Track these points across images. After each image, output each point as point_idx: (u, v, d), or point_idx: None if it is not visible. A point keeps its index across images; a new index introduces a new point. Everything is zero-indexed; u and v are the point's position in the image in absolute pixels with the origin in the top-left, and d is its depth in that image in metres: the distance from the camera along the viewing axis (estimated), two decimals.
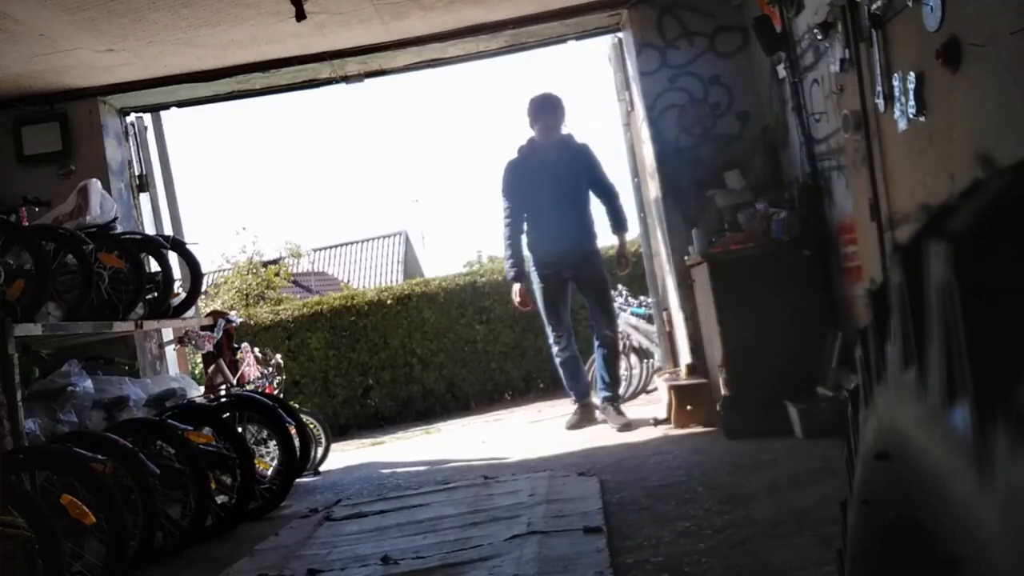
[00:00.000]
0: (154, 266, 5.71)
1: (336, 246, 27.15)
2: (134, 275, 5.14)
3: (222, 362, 6.14)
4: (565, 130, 6.22)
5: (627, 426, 5.86)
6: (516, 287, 6.35)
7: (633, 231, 6.85)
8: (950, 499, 0.51)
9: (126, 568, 3.72)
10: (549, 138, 6.12)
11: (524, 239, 6.29)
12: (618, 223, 6.32)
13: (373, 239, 26.99)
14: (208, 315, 6.56)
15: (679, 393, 5.68)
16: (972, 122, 3.22)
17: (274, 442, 5.42)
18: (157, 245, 5.71)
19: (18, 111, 6.06)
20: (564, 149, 6.16)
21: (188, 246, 6.05)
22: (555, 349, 6.42)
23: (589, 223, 6.27)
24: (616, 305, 7.75)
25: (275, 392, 6.37)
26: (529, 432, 6.77)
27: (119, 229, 5.52)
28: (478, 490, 4.78)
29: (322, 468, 6.44)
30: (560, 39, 6.61)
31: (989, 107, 3.08)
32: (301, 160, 67.33)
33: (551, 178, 6.04)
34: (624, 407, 6.37)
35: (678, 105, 6.02)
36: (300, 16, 5.00)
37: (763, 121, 5.88)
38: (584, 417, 6.34)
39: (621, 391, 7.26)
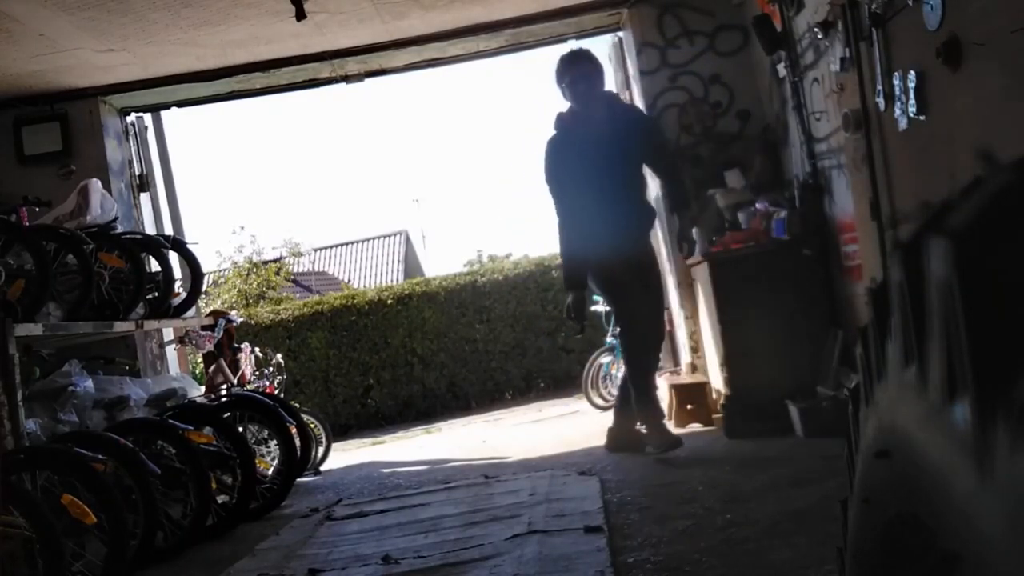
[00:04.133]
0: (154, 266, 5.71)
1: (336, 246, 27.12)
2: (134, 275, 5.14)
3: (223, 362, 6.14)
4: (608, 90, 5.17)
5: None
6: (569, 298, 5.06)
7: None
8: (951, 496, 0.51)
9: (127, 568, 3.72)
10: (586, 105, 4.91)
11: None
12: (681, 203, 5.14)
13: (373, 239, 26.97)
14: (208, 315, 6.56)
15: (680, 392, 5.68)
16: (973, 121, 3.21)
17: (275, 442, 5.42)
18: (157, 245, 5.71)
19: (18, 111, 6.07)
20: (614, 115, 4.96)
21: (188, 246, 6.05)
22: (645, 363, 5.01)
23: (646, 212, 5.19)
24: None
25: (276, 392, 6.37)
26: (530, 431, 6.77)
27: (119, 229, 5.52)
28: (479, 489, 4.79)
29: (323, 468, 6.45)
30: (560, 38, 6.61)
31: (990, 106, 3.08)
32: (301, 159, 67.34)
33: (600, 154, 4.84)
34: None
35: (678, 104, 6.02)
36: (300, 16, 5.01)
37: (763, 120, 5.88)
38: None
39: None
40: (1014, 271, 0.46)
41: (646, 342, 5.01)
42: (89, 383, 4.79)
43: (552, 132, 5.07)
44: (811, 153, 5.10)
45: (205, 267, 6.63)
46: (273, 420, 5.32)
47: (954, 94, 3.30)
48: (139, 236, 5.74)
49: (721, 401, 5.24)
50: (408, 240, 26.66)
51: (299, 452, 5.48)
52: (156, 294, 5.60)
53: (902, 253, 0.57)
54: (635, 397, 4.93)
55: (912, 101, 3.60)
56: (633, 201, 5.05)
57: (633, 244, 5.00)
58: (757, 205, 5.36)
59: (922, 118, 3.58)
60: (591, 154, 4.87)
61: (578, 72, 4.94)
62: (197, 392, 5.73)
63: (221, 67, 6.16)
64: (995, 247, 0.48)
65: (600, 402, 7.38)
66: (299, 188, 61.95)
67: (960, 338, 0.48)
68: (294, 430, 5.39)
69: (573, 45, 6.01)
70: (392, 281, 20.68)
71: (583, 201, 4.94)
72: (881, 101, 3.93)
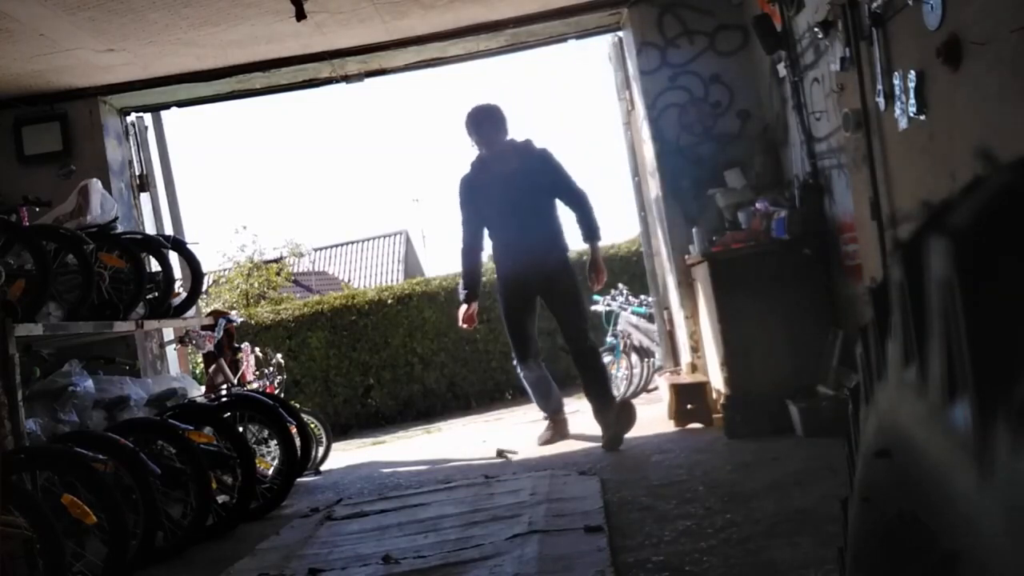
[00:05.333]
0: (155, 266, 5.71)
1: (337, 245, 27.14)
2: (135, 275, 5.14)
3: (223, 362, 6.14)
4: (519, 138, 5.72)
5: (615, 440, 5.34)
6: (463, 308, 5.81)
7: (633, 230, 6.82)
8: (951, 496, 0.51)
9: (127, 568, 3.72)
10: (493, 151, 5.60)
11: (489, 254, 6.02)
12: (589, 231, 5.64)
13: (373, 239, 26.98)
14: (209, 315, 6.56)
15: (680, 392, 5.68)
16: (973, 120, 3.22)
17: (275, 442, 5.42)
18: (158, 245, 5.71)
19: (18, 111, 6.07)
20: (523, 157, 5.61)
21: (188, 246, 6.05)
22: (522, 370, 5.84)
23: (557, 233, 5.69)
24: (617, 304, 7.76)
25: (276, 392, 6.37)
26: (530, 431, 6.76)
27: (120, 229, 5.52)
28: (479, 489, 4.79)
29: (323, 467, 6.45)
30: (560, 38, 6.61)
31: (990, 105, 3.08)
32: (301, 159, 67.40)
33: (510, 189, 5.51)
34: None
35: (678, 104, 6.02)
36: (300, 16, 5.00)
37: (763, 120, 5.87)
38: (557, 432, 5.90)
39: (622, 391, 7.27)
40: (1014, 271, 0.46)
41: (519, 354, 5.80)
42: (89, 383, 4.79)
43: (467, 171, 5.78)
44: (811, 153, 5.10)
45: (207, 267, 6.63)
46: (273, 420, 5.32)
47: (954, 94, 3.30)
48: (139, 236, 5.74)
49: (721, 401, 5.24)
50: (408, 240, 26.67)
51: (299, 452, 5.48)
52: (156, 294, 5.60)
53: (902, 253, 0.57)
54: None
55: (912, 101, 3.60)
56: (540, 229, 5.61)
57: (537, 267, 5.55)
58: (757, 205, 5.36)
59: (922, 118, 3.58)
60: (500, 189, 5.55)
61: (483, 115, 5.65)
62: (197, 392, 5.73)
63: (221, 67, 6.16)
64: (995, 247, 0.48)
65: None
66: (300, 188, 62.03)
67: (960, 338, 0.48)
68: (294, 430, 5.38)
69: (573, 45, 6.30)
70: (392, 281, 20.69)
71: (494, 230, 5.70)
72: (881, 101, 3.93)
